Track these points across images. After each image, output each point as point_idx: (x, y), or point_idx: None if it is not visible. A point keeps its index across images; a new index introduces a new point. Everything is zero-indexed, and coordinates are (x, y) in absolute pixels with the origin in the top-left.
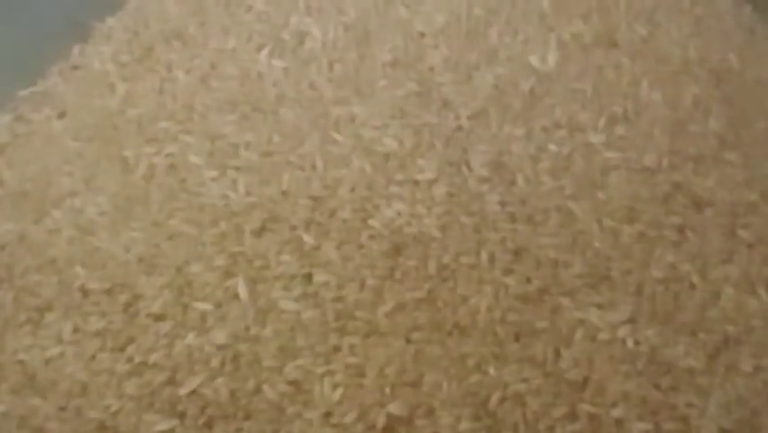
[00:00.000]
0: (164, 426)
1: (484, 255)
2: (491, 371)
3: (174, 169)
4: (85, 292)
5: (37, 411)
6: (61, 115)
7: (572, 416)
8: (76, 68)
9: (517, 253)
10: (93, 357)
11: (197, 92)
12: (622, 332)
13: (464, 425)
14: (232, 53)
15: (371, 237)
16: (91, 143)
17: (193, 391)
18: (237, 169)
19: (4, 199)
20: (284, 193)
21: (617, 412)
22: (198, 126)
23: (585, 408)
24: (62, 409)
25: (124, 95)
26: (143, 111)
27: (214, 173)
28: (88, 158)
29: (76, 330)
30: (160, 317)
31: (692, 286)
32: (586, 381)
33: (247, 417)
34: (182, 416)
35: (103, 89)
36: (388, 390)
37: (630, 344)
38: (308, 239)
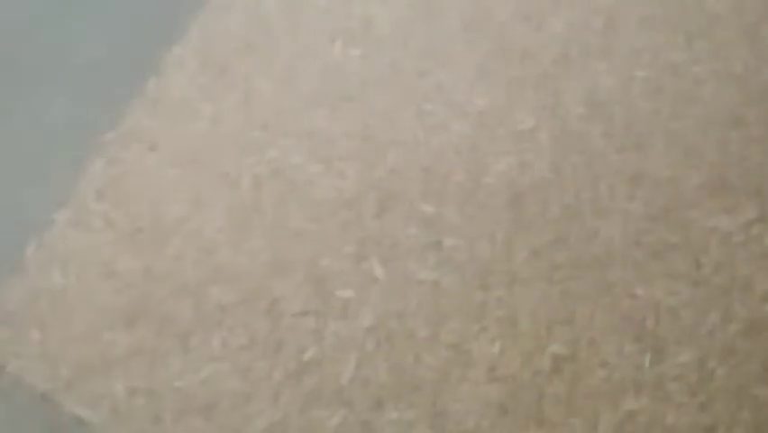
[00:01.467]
0: (336, 419)
1: (603, 187)
2: (639, 292)
3: (279, 173)
4: (222, 308)
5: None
6: (153, 148)
7: (728, 318)
8: (156, 100)
9: (634, 179)
10: (247, 368)
11: (282, 95)
12: (755, 230)
13: (628, 348)
14: (306, 52)
15: (489, 194)
16: (190, 168)
17: (354, 378)
18: (341, 159)
19: (120, 240)
20: (393, 171)
21: None
22: (292, 127)
23: (738, 308)
24: (226, 425)
25: (211, 115)
26: (234, 126)
27: (319, 168)
28: (191, 182)
29: (224, 346)
30: (303, 314)
31: None
32: (732, 283)
33: (414, 388)
34: (350, 403)
35: (188, 114)
36: (543, 332)
37: (767, 240)
38: (428, 208)
